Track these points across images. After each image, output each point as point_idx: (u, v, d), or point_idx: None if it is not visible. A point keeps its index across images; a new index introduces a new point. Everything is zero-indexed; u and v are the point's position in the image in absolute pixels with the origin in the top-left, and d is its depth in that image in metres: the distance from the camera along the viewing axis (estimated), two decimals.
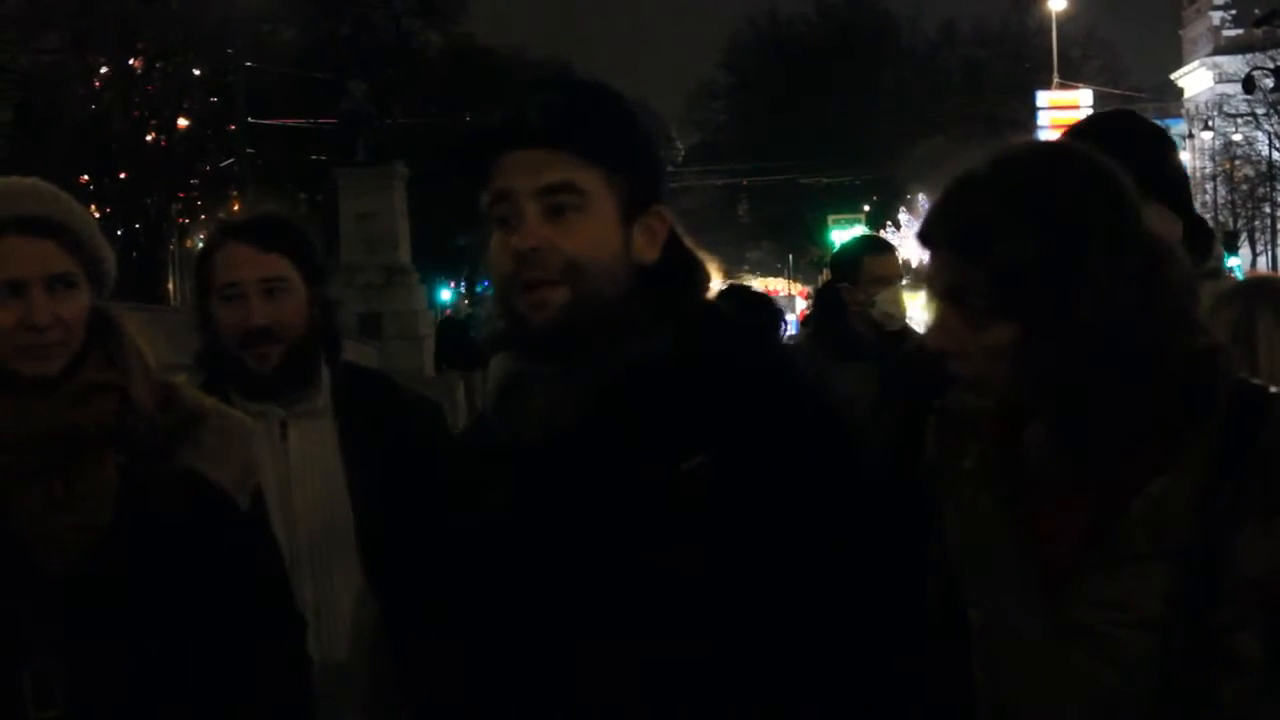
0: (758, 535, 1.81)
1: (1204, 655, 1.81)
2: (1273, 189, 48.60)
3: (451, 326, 21.35)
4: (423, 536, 2.15)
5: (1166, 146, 2.71)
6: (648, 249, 1.94)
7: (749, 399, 1.86)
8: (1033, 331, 1.79)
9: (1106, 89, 52.35)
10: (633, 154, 1.96)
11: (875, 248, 5.36)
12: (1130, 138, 2.59)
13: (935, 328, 1.87)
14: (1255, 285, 2.79)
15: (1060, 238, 1.77)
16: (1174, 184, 2.64)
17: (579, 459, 1.86)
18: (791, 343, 7.41)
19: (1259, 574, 1.80)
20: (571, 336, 1.88)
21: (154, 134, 45.48)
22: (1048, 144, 1.96)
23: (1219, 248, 2.96)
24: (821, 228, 48.65)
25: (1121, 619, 1.85)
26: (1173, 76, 64.70)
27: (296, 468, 2.90)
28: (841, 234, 39.54)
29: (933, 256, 1.86)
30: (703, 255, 2.02)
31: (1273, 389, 1.91)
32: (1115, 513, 1.85)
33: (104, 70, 43.81)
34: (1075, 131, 2.72)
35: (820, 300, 5.86)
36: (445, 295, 45.38)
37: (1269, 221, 50.38)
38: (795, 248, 65.23)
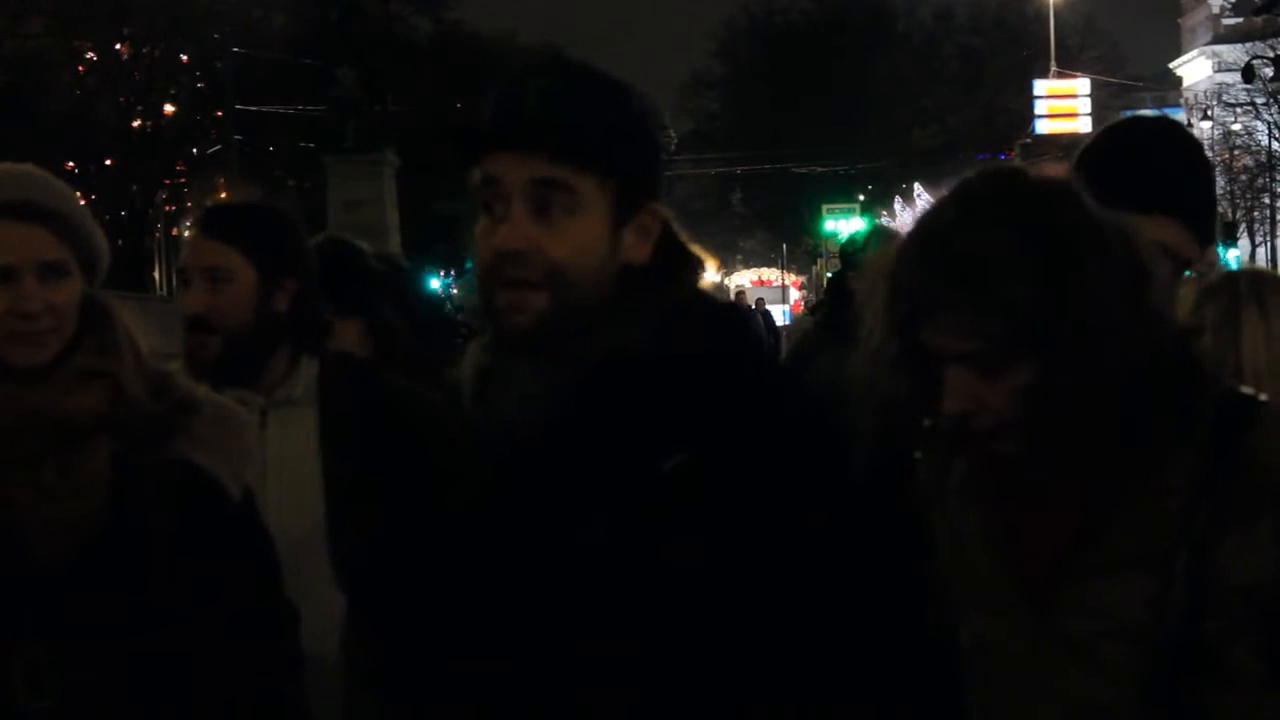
0: (741, 532, 1.80)
1: (1192, 666, 1.80)
2: (1272, 179, 48.60)
3: None
4: (397, 527, 2.15)
5: (1194, 164, 2.64)
6: (637, 249, 1.90)
7: (728, 396, 1.85)
8: (1052, 364, 1.78)
9: (1104, 77, 52.63)
10: (631, 154, 1.89)
11: (881, 237, 5.43)
12: (1154, 153, 2.56)
13: (950, 394, 1.82)
14: (1240, 278, 2.78)
15: (1057, 263, 1.77)
16: (1194, 205, 2.56)
17: (555, 453, 1.85)
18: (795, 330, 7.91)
19: (1247, 582, 1.80)
20: (548, 340, 1.86)
21: (140, 120, 45.92)
22: (1001, 176, 1.90)
23: (1212, 251, 2.96)
24: (816, 217, 48.78)
25: (1105, 629, 1.85)
26: (1171, 65, 64.73)
27: (273, 456, 2.91)
28: (836, 223, 39.78)
29: (931, 329, 1.81)
30: (695, 246, 1.97)
31: (1262, 397, 1.91)
32: (1101, 522, 1.85)
33: (90, 56, 44.56)
34: (1106, 135, 2.68)
35: (830, 289, 6.08)
36: (435, 284, 45.41)
37: (1268, 212, 50.47)
38: (789, 238, 65.25)
